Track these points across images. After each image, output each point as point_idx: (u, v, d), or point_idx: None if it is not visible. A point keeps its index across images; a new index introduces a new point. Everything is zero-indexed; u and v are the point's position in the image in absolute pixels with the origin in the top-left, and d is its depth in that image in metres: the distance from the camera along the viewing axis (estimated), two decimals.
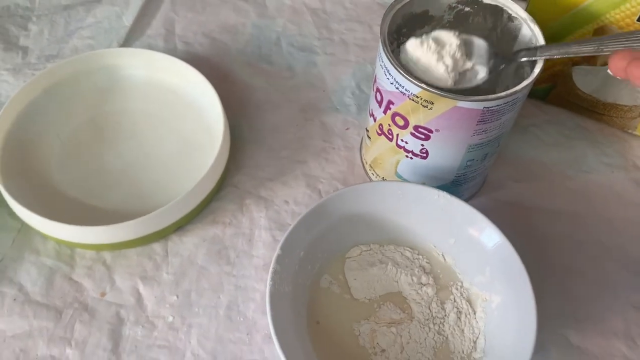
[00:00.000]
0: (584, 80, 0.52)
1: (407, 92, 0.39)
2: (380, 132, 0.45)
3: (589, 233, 0.48)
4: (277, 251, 0.39)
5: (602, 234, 0.48)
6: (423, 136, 0.41)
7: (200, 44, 0.60)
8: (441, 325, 0.41)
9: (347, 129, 0.54)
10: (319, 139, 0.53)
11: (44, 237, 0.46)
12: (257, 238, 0.47)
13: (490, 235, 0.40)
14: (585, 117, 0.55)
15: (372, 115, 0.45)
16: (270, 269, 0.38)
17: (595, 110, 0.54)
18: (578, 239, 0.48)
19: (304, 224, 0.40)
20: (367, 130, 0.48)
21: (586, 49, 0.38)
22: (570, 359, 0.42)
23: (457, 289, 0.42)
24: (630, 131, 0.54)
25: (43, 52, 0.59)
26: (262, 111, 0.55)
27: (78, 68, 0.52)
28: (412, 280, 0.42)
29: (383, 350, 0.40)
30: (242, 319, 0.43)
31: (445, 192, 0.41)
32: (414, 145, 0.42)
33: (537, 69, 0.39)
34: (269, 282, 0.37)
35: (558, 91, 0.54)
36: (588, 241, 0.48)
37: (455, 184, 0.46)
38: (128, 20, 0.61)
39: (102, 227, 0.42)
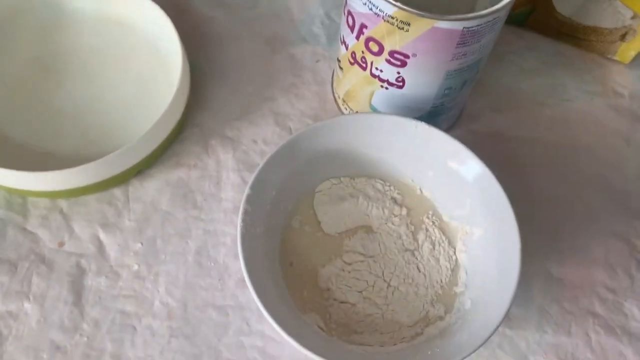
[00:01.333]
0: (563, 2, 0.49)
1: (381, 13, 0.36)
2: (353, 61, 0.42)
3: (569, 162, 0.47)
4: (247, 191, 0.36)
5: (582, 162, 0.47)
6: (399, 62, 0.38)
7: None
8: (414, 257, 0.39)
9: (318, 61, 0.51)
10: (287, 73, 0.50)
11: None
12: (225, 180, 0.44)
13: (471, 166, 0.38)
14: (564, 43, 0.53)
15: (343, 42, 0.42)
16: (241, 210, 0.35)
17: (574, 35, 0.52)
18: (558, 169, 0.47)
19: (274, 161, 0.37)
20: (339, 61, 0.44)
21: None
22: (551, 291, 0.41)
23: (429, 219, 0.41)
24: (609, 56, 0.52)
25: None
26: (223, 45, 0.51)
27: (16, 3, 0.47)
28: (384, 212, 0.40)
29: (358, 287, 0.38)
30: (212, 264, 0.41)
31: (423, 123, 0.39)
32: (390, 73, 0.40)
33: None
34: (239, 223, 0.35)
35: (537, 15, 0.52)
36: (568, 170, 0.47)
37: (432, 115, 0.43)
38: None
39: (56, 172, 0.39)
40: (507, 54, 0.52)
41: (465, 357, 0.32)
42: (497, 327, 0.32)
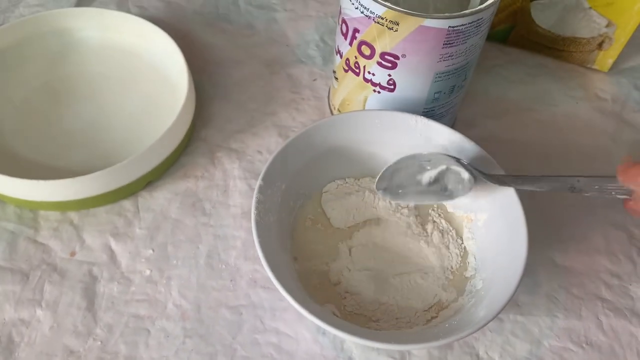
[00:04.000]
0: (542, 15, 0.53)
1: (372, 15, 0.38)
2: (347, 68, 0.44)
3: (562, 160, 0.49)
4: (259, 182, 0.37)
5: (574, 160, 0.49)
6: (390, 64, 0.41)
7: (155, 7, 0.58)
8: (425, 244, 0.40)
9: (315, 80, 0.53)
10: (286, 90, 0.52)
11: (3, 201, 0.43)
12: (233, 188, 0.45)
13: (469, 152, 0.40)
14: (545, 55, 0.56)
15: (338, 52, 0.44)
16: (254, 199, 0.36)
17: (554, 47, 0.55)
18: (552, 166, 0.48)
19: (283, 155, 0.39)
20: (335, 72, 0.47)
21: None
22: (557, 278, 0.42)
23: (434, 211, 0.42)
24: (589, 66, 0.55)
25: None
26: (225, 68, 0.53)
27: (27, 32, 0.50)
28: (390, 204, 0.42)
29: (369, 277, 0.39)
30: (224, 267, 0.41)
31: (422, 116, 0.41)
32: (381, 76, 0.42)
33: None
34: (253, 211, 0.36)
35: (518, 31, 0.55)
36: (561, 167, 0.48)
37: None
38: None
39: (66, 180, 0.40)
40: (493, 67, 0.55)
41: (481, 327, 0.32)
42: (513, 294, 0.33)
